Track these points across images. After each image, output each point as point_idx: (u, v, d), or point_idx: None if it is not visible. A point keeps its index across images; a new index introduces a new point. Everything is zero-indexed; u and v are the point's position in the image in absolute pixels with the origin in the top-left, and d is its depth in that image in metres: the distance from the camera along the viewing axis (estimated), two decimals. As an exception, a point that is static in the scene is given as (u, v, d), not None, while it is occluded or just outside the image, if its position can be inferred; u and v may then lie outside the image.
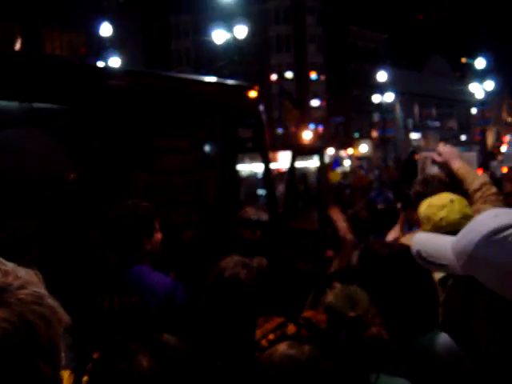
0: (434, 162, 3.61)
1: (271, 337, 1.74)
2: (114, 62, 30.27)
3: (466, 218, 2.93)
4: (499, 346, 1.64)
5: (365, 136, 56.49)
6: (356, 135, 57.99)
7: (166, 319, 2.87)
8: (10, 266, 1.00)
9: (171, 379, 1.33)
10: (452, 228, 2.85)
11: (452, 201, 3.13)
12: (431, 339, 2.30)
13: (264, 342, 1.74)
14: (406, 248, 2.53)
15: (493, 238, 1.44)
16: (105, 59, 29.10)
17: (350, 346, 1.88)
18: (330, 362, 1.73)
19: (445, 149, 3.65)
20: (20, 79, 4.36)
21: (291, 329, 1.74)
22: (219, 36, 31.94)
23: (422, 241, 1.71)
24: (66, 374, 1.90)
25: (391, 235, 3.91)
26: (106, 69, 9.37)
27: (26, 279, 0.99)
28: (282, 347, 1.69)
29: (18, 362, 0.92)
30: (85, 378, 1.44)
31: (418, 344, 2.28)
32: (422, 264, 1.64)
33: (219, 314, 2.29)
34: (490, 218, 1.50)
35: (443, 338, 2.31)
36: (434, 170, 3.63)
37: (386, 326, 2.05)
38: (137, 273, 3.17)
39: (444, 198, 3.17)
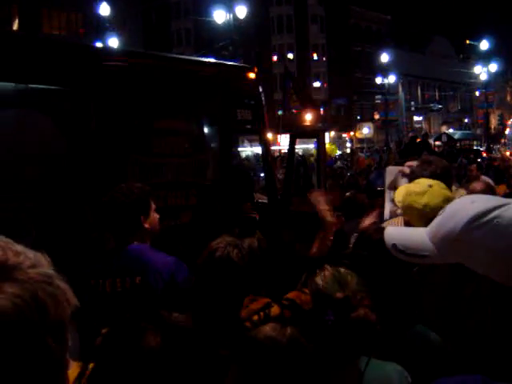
0: (404, 175, 3.55)
1: (255, 318, 1.74)
2: (113, 42, 30.12)
3: (448, 201, 2.85)
4: (490, 331, 1.63)
5: (367, 118, 56.34)
6: (358, 117, 57.85)
7: (170, 299, 2.84)
8: (19, 247, 1.01)
9: (179, 357, 1.33)
10: (435, 213, 2.83)
11: (431, 185, 3.09)
12: (423, 328, 2.30)
13: (248, 324, 1.74)
14: None
15: (476, 223, 1.42)
16: (103, 40, 28.95)
17: (336, 327, 1.87)
18: (316, 343, 1.73)
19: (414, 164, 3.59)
20: (17, 60, 4.33)
21: (275, 310, 1.74)
22: (220, 16, 31.74)
23: (395, 234, 1.68)
24: (74, 365, 1.89)
25: (367, 221, 3.81)
26: (104, 49, 9.32)
27: (36, 260, 1.00)
28: (265, 329, 1.69)
29: (28, 337, 0.93)
30: (91, 365, 1.43)
31: (412, 330, 2.28)
32: (401, 257, 1.61)
33: (210, 293, 2.28)
34: (468, 205, 1.48)
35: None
36: (402, 183, 3.54)
37: (384, 314, 2.05)
38: (138, 252, 3.14)
39: (422, 183, 3.13)
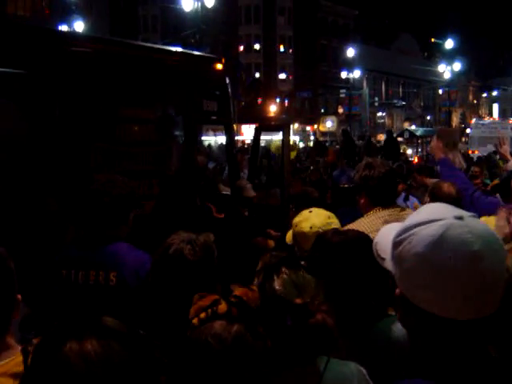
0: None
1: (202, 315, 1.74)
2: (79, 26, 29.64)
3: (330, 218, 3.45)
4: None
5: (331, 112, 56.62)
6: (322, 111, 58.10)
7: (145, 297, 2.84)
8: None
9: (114, 361, 1.31)
10: (324, 228, 3.21)
11: (310, 211, 3.48)
12: (388, 324, 2.30)
13: (195, 321, 1.74)
14: (360, 235, 2.56)
15: (398, 238, 1.41)
16: (69, 23, 28.47)
17: (294, 331, 1.89)
18: (271, 343, 1.74)
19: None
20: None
21: (222, 307, 1.74)
22: (187, 3, 31.44)
23: (382, 232, 1.68)
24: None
25: None
26: (70, 34, 9.16)
27: None
28: (211, 326, 1.70)
29: None
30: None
31: (375, 330, 2.30)
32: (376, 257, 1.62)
33: (163, 290, 2.29)
34: (414, 214, 1.47)
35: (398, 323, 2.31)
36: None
37: (342, 314, 2.07)
38: (116, 247, 3.12)
39: (303, 214, 3.50)
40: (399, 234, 1.40)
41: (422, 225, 1.35)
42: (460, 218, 1.34)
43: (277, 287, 1.96)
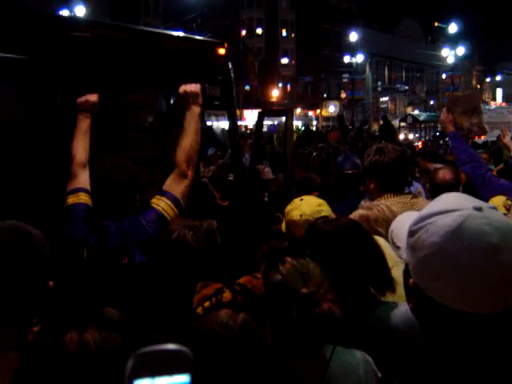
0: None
1: (207, 304, 1.72)
2: (80, 10, 29.45)
3: (320, 205, 3.43)
4: None
5: (333, 97, 56.44)
6: (324, 95, 57.92)
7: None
8: None
9: (113, 352, 1.31)
10: (313, 217, 3.23)
11: (302, 199, 3.49)
12: (386, 310, 2.31)
13: (199, 310, 1.72)
14: (351, 222, 2.55)
15: (413, 227, 1.38)
16: (70, 7, 28.31)
17: (300, 321, 1.87)
18: (276, 332, 1.73)
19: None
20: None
21: (227, 296, 1.73)
22: (190, -12, 31.30)
23: (399, 220, 1.66)
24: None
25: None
26: (71, 19, 9.11)
27: None
28: (216, 315, 1.68)
29: None
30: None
31: (373, 316, 2.30)
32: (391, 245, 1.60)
33: (166, 276, 2.28)
34: (431, 203, 1.44)
35: (398, 307, 2.31)
36: None
37: (341, 300, 2.04)
38: (129, 231, 3.16)
39: (295, 202, 3.51)
40: (416, 223, 1.37)
41: (439, 214, 1.32)
42: (479, 209, 1.30)
43: (281, 276, 1.94)
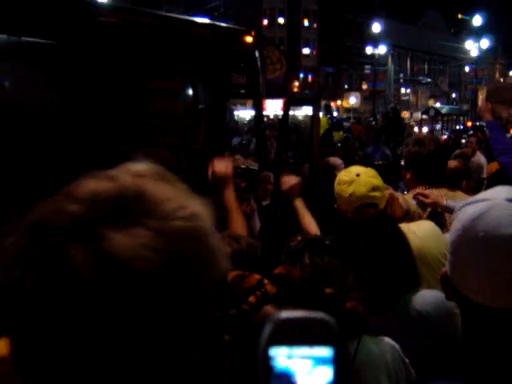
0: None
1: (252, 300, 1.66)
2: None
3: (374, 190, 3.16)
4: None
5: (355, 88, 56.13)
6: (346, 87, 57.61)
7: None
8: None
9: None
10: (362, 201, 3.08)
11: (358, 174, 3.22)
12: (413, 298, 2.29)
13: (246, 307, 1.66)
14: (380, 213, 2.53)
15: (467, 205, 1.33)
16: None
17: None
18: None
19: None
20: (10, 12, 4.20)
21: (271, 289, 1.67)
22: (213, -24, 31.20)
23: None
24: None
25: None
26: (97, 4, 9.08)
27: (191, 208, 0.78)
28: (267, 312, 1.62)
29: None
30: None
31: (401, 304, 2.28)
32: None
33: None
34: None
35: (425, 294, 2.30)
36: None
37: (367, 291, 2.01)
38: None
39: (351, 172, 3.28)
40: (456, 210, 1.32)
41: (472, 203, 1.26)
42: (511, 200, 1.23)
43: (303, 275, 1.90)
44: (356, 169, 3.34)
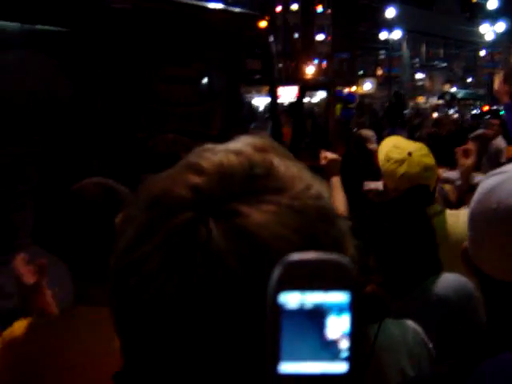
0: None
1: None
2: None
3: (426, 170, 2.99)
4: None
5: (369, 74, 55.75)
6: (360, 72, 57.27)
7: None
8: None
9: None
10: (414, 182, 2.92)
11: (410, 153, 3.02)
12: (434, 282, 2.28)
13: None
14: (402, 194, 2.49)
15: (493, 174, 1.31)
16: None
17: None
18: None
19: None
20: (22, 0, 4.20)
21: None
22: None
23: None
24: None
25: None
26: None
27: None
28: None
29: None
30: None
31: (420, 289, 2.27)
32: None
33: None
34: None
35: (445, 278, 2.30)
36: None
37: (389, 274, 2.01)
38: None
39: (402, 149, 3.07)
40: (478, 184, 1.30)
41: (490, 176, 1.24)
42: None
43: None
44: (407, 145, 3.14)
